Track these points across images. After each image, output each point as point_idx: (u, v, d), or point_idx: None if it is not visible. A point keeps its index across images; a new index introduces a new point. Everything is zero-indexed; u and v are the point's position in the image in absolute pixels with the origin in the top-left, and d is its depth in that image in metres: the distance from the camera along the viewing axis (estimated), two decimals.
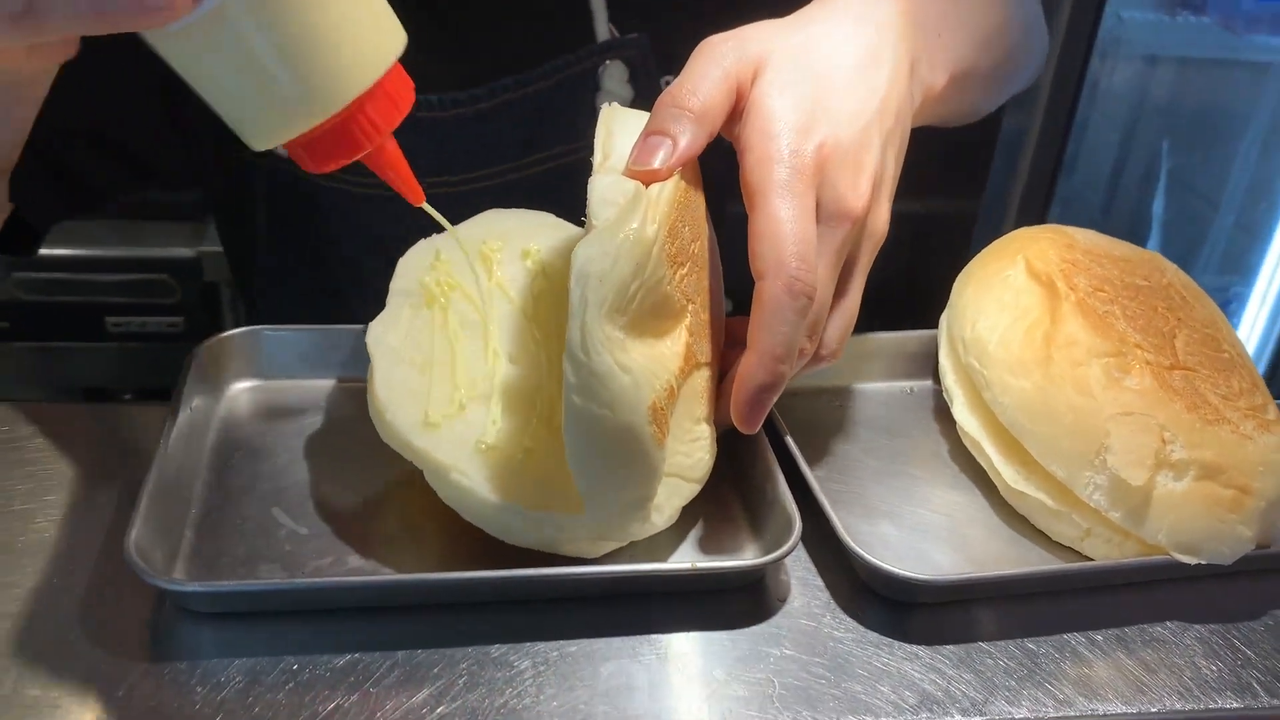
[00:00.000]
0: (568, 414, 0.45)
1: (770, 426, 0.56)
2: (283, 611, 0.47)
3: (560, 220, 0.62)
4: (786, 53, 0.52)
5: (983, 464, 0.57)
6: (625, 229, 0.45)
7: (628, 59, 0.78)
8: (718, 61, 0.51)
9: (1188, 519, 0.50)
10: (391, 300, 0.55)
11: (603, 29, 0.78)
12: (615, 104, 0.52)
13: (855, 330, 0.64)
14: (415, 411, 0.50)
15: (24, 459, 0.55)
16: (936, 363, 0.63)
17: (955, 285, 0.63)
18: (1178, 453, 0.51)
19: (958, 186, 1.84)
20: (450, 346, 0.54)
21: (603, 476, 0.47)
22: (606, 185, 0.47)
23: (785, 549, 0.49)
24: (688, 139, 0.49)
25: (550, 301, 0.57)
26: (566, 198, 0.81)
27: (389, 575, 0.49)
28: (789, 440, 0.55)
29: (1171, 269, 0.62)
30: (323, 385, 0.60)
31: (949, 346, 0.61)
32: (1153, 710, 0.47)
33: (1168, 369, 0.54)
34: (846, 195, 0.51)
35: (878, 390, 0.66)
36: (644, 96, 0.78)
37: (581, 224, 0.58)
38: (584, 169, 0.86)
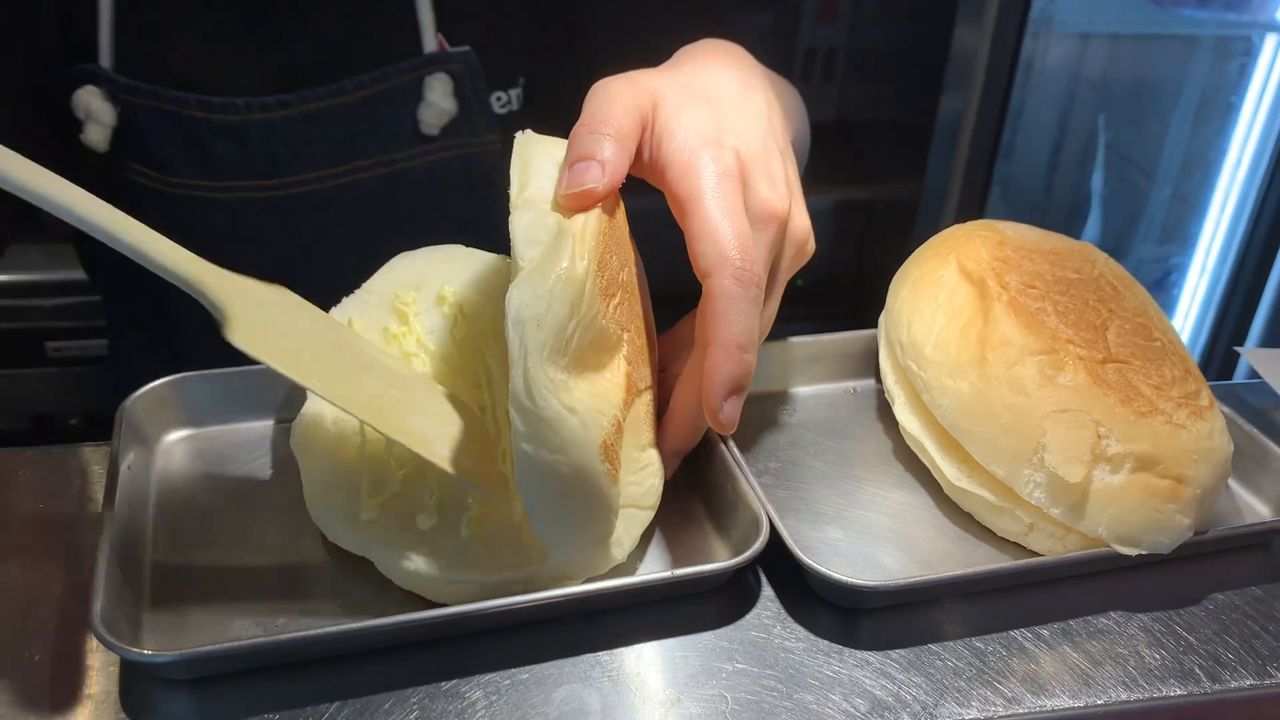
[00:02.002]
0: (520, 463, 0.44)
1: (709, 435, 0.56)
2: (246, 671, 0.46)
3: (470, 250, 0.61)
4: (676, 84, 0.55)
5: (926, 463, 0.58)
6: (556, 269, 0.45)
7: (453, 72, 0.78)
8: (617, 96, 0.52)
9: (1126, 511, 0.51)
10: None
11: (430, 40, 0.78)
12: (529, 131, 0.51)
13: (798, 333, 0.66)
14: (350, 510, 0.50)
15: None
16: (878, 363, 0.63)
17: (891, 286, 0.64)
18: (1113, 447, 0.52)
19: (897, 172, 1.86)
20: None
21: (562, 521, 0.46)
22: (529, 223, 0.46)
23: (758, 545, 0.49)
24: (614, 160, 0.49)
25: (472, 347, 0.57)
26: (385, 211, 0.82)
27: (357, 622, 0.46)
28: (732, 447, 0.56)
29: (1102, 258, 0.63)
30: (258, 428, 0.59)
31: (887, 349, 0.62)
32: (1099, 702, 0.47)
33: (1100, 363, 0.54)
34: (769, 197, 0.53)
35: (821, 392, 0.66)
36: (469, 111, 0.79)
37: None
38: (404, 182, 0.86)
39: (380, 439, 0.53)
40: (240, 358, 0.44)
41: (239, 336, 0.45)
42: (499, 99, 0.82)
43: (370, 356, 0.53)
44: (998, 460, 0.53)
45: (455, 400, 0.54)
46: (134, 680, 0.45)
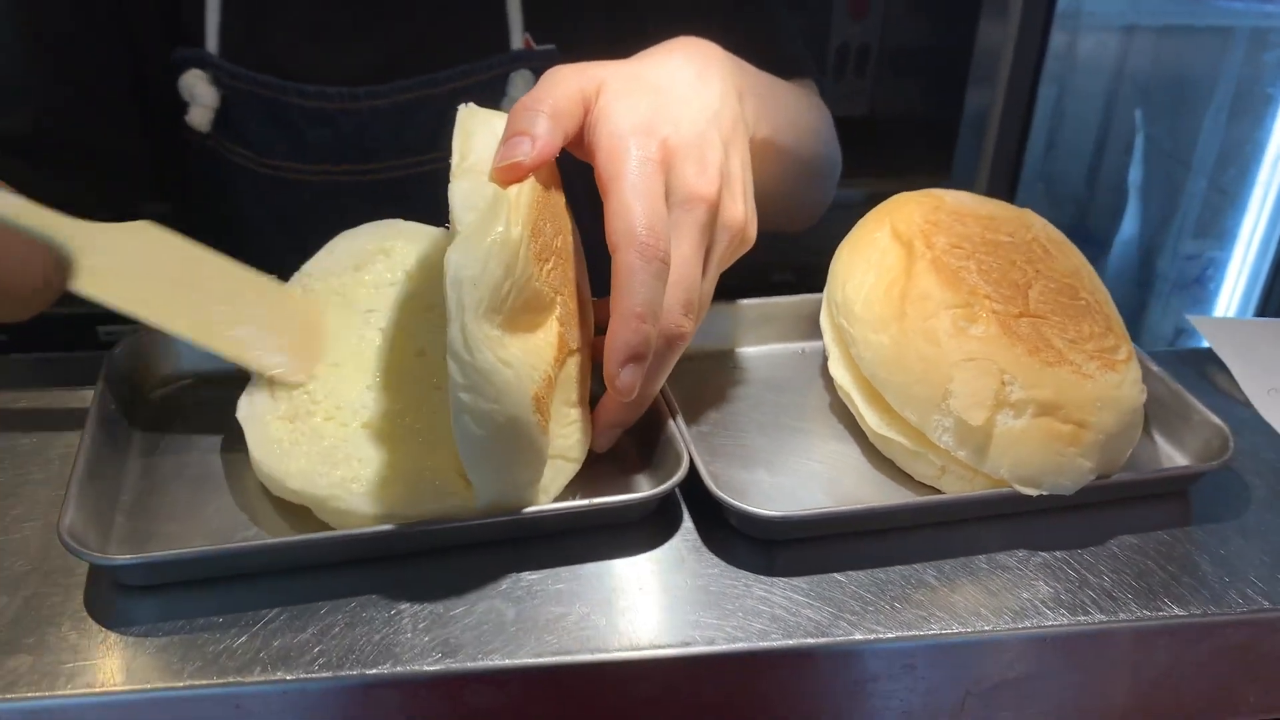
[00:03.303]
0: (456, 410, 0.48)
1: None
2: (204, 580, 0.51)
3: (412, 224, 0.66)
4: (625, 74, 0.58)
5: (853, 413, 0.61)
6: (491, 232, 0.48)
7: (537, 70, 0.82)
8: (562, 80, 0.56)
9: (1027, 454, 0.54)
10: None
11: (517, 38, 0.82)
12: (471, 105, 0.56)
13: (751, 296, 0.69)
14: (287, 462, 0.54)
15: None
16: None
17: (836, 251, 0.67)
18: (1016, 393, 0.54)
19: (927, 165, 1.87)
20: (316, 390, 0.58)
21: (493, 465, 0.50)
22: (467, 189, 0.50)
23: (676, 478, 0.53)
24: (545, 136, 0.53)
25: (411, 319, 0.61)
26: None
27: (294, 536, 0.52)
28: (669, 396, 0.59)
29: (1040, 224, 0.66)
30: (233, 378, 0.64)
31: (827, 308, 0.65)
32: (986, 628, 0.50)
33: (1015, 317, 0.57)
34: (695, 181, 0.55)
35: (771, 352, 0.70)
36: None
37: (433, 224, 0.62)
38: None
39: (323, 399, 0.58)
40: None
41: (83, 284, 0.54)
42: None
43: (213, 274, 0.60)
44: (911, 406, 0.56)
45: (291, 299, 0.61)
46: (98, 588, 0.50)
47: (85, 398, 0.63)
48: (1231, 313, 2.03)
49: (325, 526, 0.54)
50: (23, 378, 1.60)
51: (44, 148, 0.80)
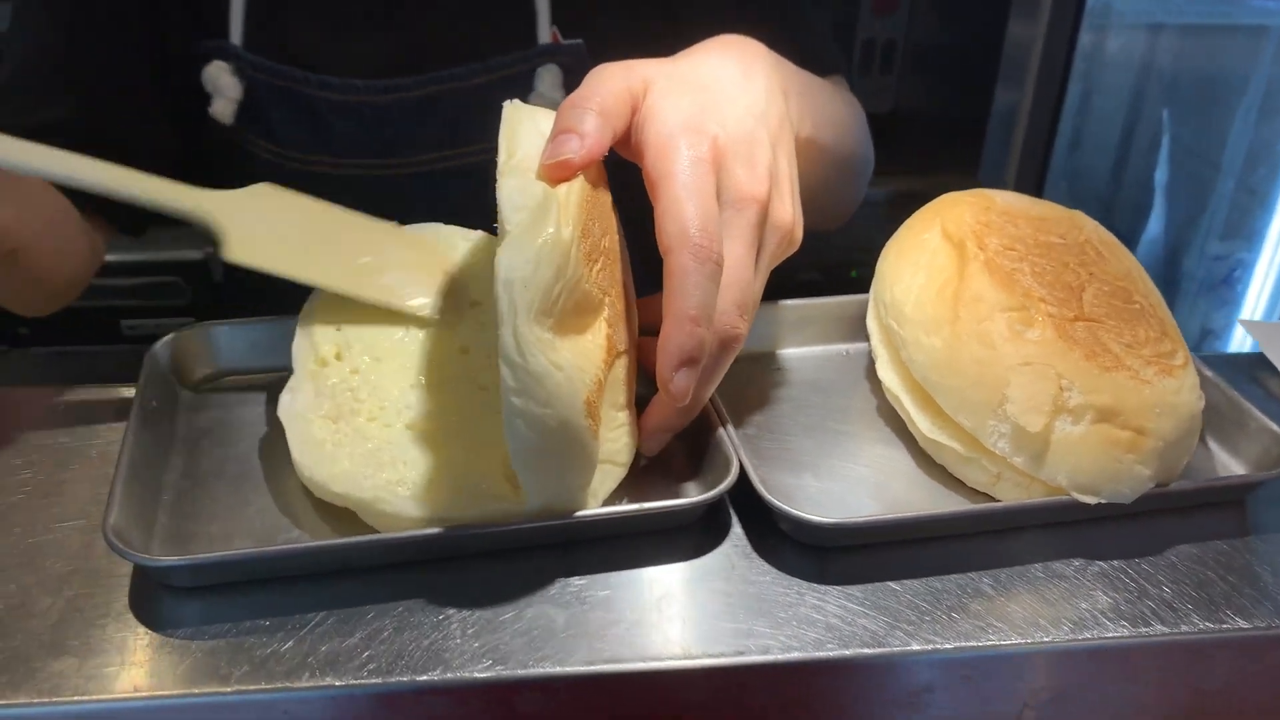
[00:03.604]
0: (509, 414, 0.47)
1: None
2: (248, 582, 0.50)
3: (451, 228, 0.65)
4: (671, 72, 0.57)
5: (903, 417, 0.60)
6: (542, 233, 0.47)
7: (564, 64, 0.81)
8: (610, 77, 0.55)
9: (1086, 461, 0.53)
10: (295, 364, 0.59)
11: (544, 31, 0.81)
12: (516, 101, 0.55)
13: (794, 297, 0.68)
14: (331, 465, 0.53)
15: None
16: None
17: (883, 251, 0.66)
18: (1075, 398, 0.53)
19: (954, 163, 1.86)
20: (359, 388, 0.57)
21: (546, 469, 0.49)
22: (515, 188, 0.49)
23: (725, 484, 0.52)
24: (594, 133, 0.52)
25: (455, 320, 0.60)
26: (489, 193, 0.86)
27: (341, 539, 0.51)
28: (715, 400, 0.58)
29: (1091, 225, 0.65)
30: (275, 375, 0.63)
31: (874, 309, 0.64)
32: (1046, 640, 0.49)
33: (1070, 320, 0.56)
34: (746, 181, 0.54)
35: (814, 354, 0.69)
36: None
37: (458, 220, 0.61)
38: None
39: (366, 398, 0.57)
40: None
41: (238, 253, 0.54)
42: None
43: (348, 226, 0.62)
44: (965, 411, 0.55)
45: (422, 244, 0.63)
46: (142, 589, 0.50)
47: (117, 394, 0.62)
48: (1259, 315, 2.01)
49: (367, 528, 0.53)
50: (48, 373, 1.60)
51: (69, 139, 0.79)
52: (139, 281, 1.58)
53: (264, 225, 0.58)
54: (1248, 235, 1.99)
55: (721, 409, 0.58)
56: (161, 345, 0.61)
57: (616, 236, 0.58)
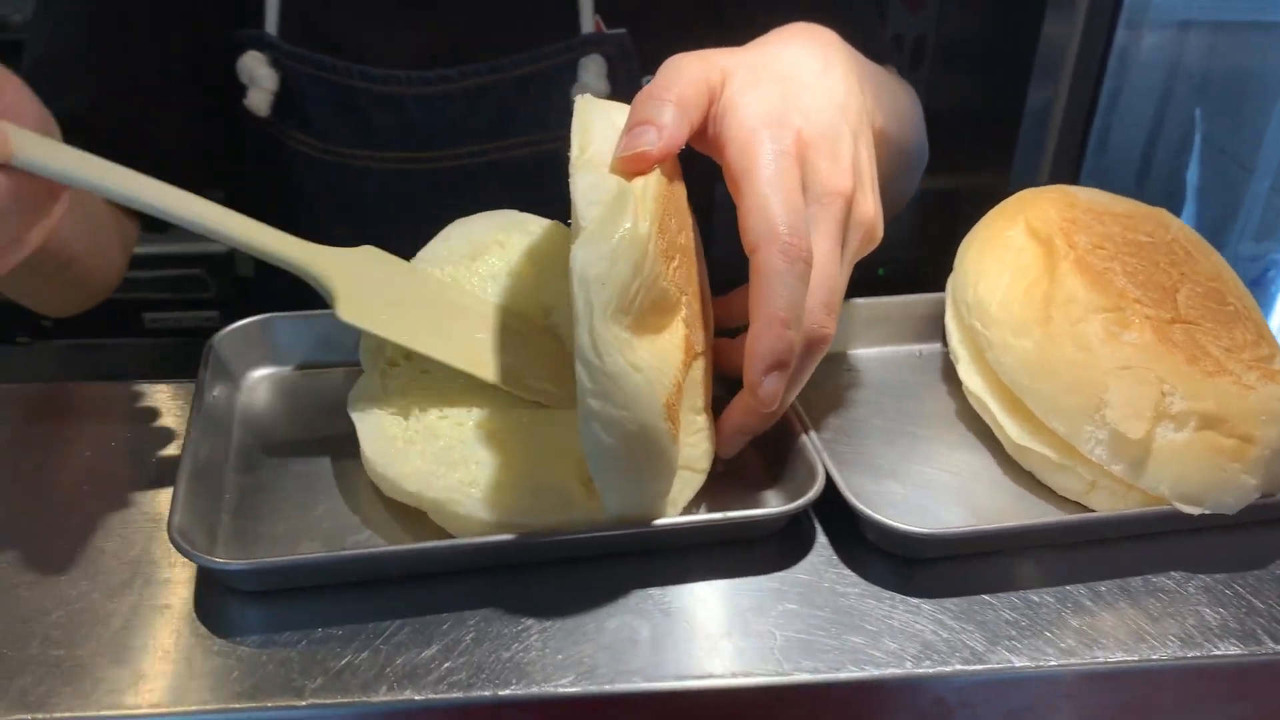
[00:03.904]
0: (585, 417, 0.45)
1: None
2: (316, 586, 0.48)
3: (525, 215, 0.63)
4: (750, 62, 0.55)
5: (988, 422, 0.58)
6: (619, 229, 0.45)
7: (608, 54, 0.79)
8: (687, 68, 0.53)
9: (1189, 469, 0.51)
10: (364, 363, 0.57)
11: (588, 21, 0.79)
12: (589, 95, 0.52)
13: (863, 295, 0.66)
14: (402, 462, 0.51)
15: (48, 439, 0.57)
16: (944, 325, 0.63)
17: (960, 248, 0.64)
18: (1177, 404, 0.51)
19: (985, 161, 1.83)
20: (430, 386, 0.55)
21: (624, 475, 0.47)
22: (590, 183, 0.47)
23: (812, 494, 0.50)
24: (672, 126, 0.50)
25: (526, 312, 0.58)
26: (535, 185, 0.83)
27: (419, 543, 0.49)
28: (794, 403, 0.56)
29: (1176, 224, 0.62)
30: (338, 370, 0.62)
31: (953, 309, 0.62)
32: (1154, 657, 0.47)
33: (1168, 323, 0.54)
34: (831, 175, 0.52)
35: (886, 354, 0.66)
36: (621, 93, 0.79)
37: (547, 215, 0.59)
38: (554, 159, 0.88)
39: (435, 397, 0.55)
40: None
41: (348, 313, 0.52)
42: (646, 82, 0.83)
43: (452, 300, 0.56)
44: (1060, 417, 0.53)
45: (527, 324, 0.57)
46: (207, 591, 0.48)
47: (175, 387, 0.60)
48: None
49: (435, 529, 0.51)
50: (70, 365, 1.59)
51: (101, 130, 0.77)
52: (162, 274, 1.57)
53: (376, 288, 0.54)
54: None
55: (802, 414, 0.56)
56: (223, 337, 0.59)
57: (692, 233, 0.55)
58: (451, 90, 0.79)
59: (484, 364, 0.54)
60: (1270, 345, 0.56)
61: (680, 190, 0.54)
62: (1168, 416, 0.51)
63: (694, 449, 0.52)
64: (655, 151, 0.49)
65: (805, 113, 0.53)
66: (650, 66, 0.83)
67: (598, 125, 0.51)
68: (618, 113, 0.52)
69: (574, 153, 0.49)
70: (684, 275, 0.51)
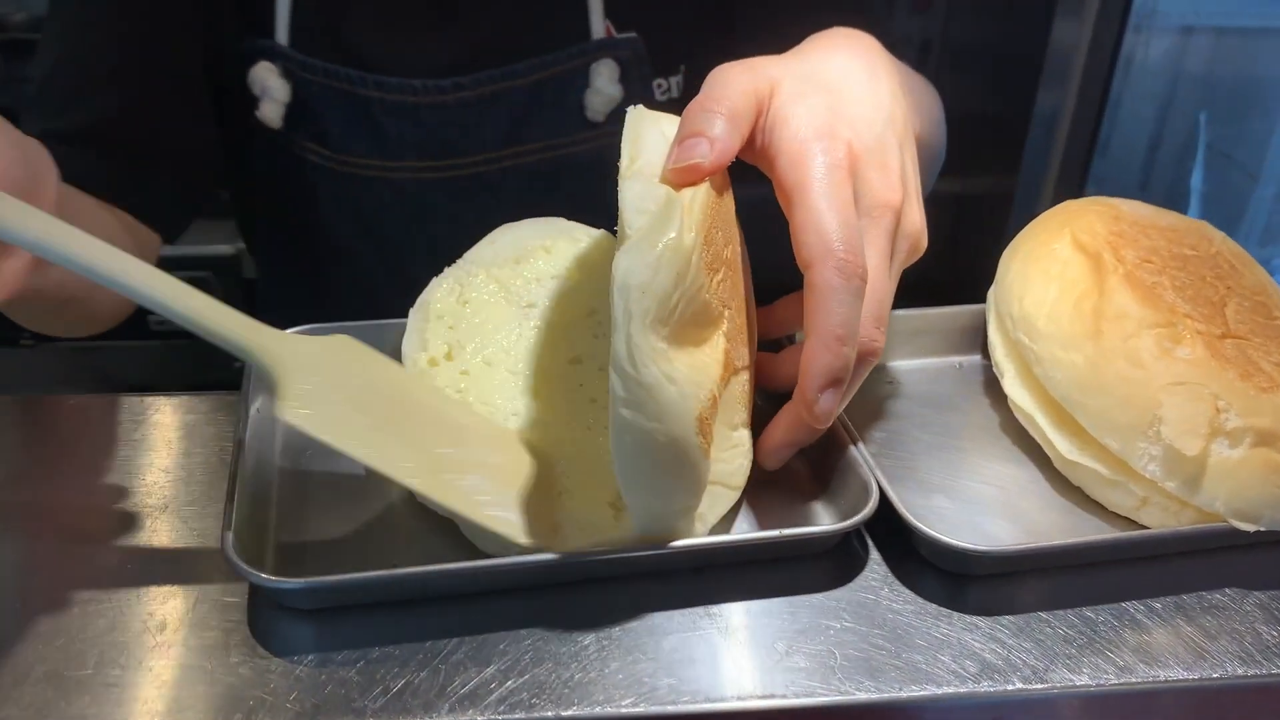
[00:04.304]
0: (616, 427, 0.44)
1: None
2: (369, 604, 0.48)
3: (572, 223, 0.62)
4: (797, 72, 0.54)
5: (1035, 437, 0.57)
6: (663, 237, 0.45)
7: (620, 59, 0.79)
8: (735, 80, 0.52)
9: (1245, 486, 0.51)
10: (405, 359, 0.56)
11: (598, 26, 0.79)
12: (640, 106, 0.52)
13: (903, 307, 0.65)
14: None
15: (78, 451, 0.56)
16: (985, 337, 0.63)
17: (1001, 260, 0.63)
18: (1232, 421, 0.51)
19: (993, 165, 1.83)
20: (467, 390, 0.55)
21: (652, 488, 0.46)
22: (638, 192, 0.46)
23: (868, 510, 0.50)
24: (723, 138, 0.49)
25: (569, 321, 0.58)
26: (550, 191, 0.83)
27: (475, 561, 0.48)
28: (842, 417, 0.56)
29: (1219, 237, 0.62)
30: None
31: (997, 322, 0.61)
32: (1215, 676, 0.47)
33: (1219, 338, 0.54)
34: (881, 188, 0.52)
35: (926, 366, 0.66)
36: (633, 97, 0.79)
37: (587, 223, 0.59)
38: (568, 164, 0.87)
39: (477, 407, 0.54)
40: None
41: (288, 410, 0.46)
42: (660, 86, 0.83)
43: (429, 406, 0.53)
44: (1112, 433, 0.53)
45: (510, 443, 0.53)
46: (260, 610, 0.47)
47: (216, 398, 0.60)
48: None
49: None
50: (74, 368, 1.58)
51: (115, 140, 0.76)
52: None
53: (333, 386, 0.49)
54: None
55: (850, 426, 0.55)
56: None
57: (739, 248, 0.55)
58: (465, 98, 0.79)
59: (440, 486, 0.48)
60: None
61: (729, 203, 0.53)
62: (1223, 433, 0.51)
63: (728, 464, 0.52)
64: (707, 164, 0.48)
65: (854, 124, 0.53)
66: (662, 70, 0.83)
67: (648, 136, 0.50)
68: (668, 124, 0.52)
69: (624, 162, 0.49)
70: (728, 289, 0.51)
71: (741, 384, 0.53)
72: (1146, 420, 0.52)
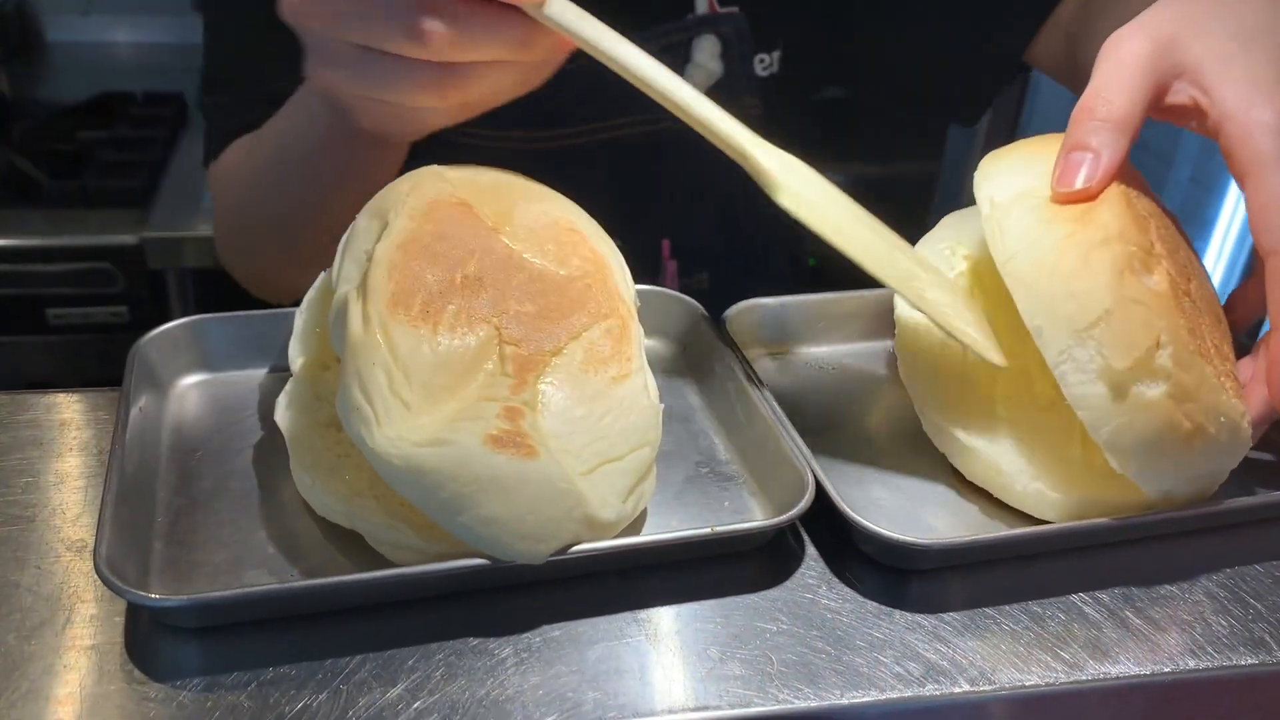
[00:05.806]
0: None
1: (751, 395, 0.53)
2: (262, 619, 0.43)
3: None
4: (1203, 26, 0.51)
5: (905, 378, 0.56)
6: None
7: (722, 34, 0.78)
8: (1129, 62, 0.50)
9: (1138, 426, 0.47)
10: (292, 364, 0.52)
11: (702, 1, 0.78)
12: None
13: (833, 290, 0.63)
14: (332, 480, 0.47)
15: None
16: None
17: (984, 163, 0.57)
18: (1163, 361, 0.48)
19: (917, 149, 1.83)
20: None
21: None
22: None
23: (803, 504, 0.46)
24: (1109, 151, 0.48)
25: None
26: (644, 165, 0.81)
27: (379, 571, 0.43)
28: (774, 405, 0.53)
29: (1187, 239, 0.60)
30: (276, 375, 0.57)
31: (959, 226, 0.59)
32: (1166, 670, 0.45)
33: (1183, 293, 0.51)
34: None
35: (859, 351, 0.63)
36: (734, 73, 0.79)
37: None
38: (665, 138, 0.86)
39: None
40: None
41: (788, 200, 0.50)
42: (760, 61, 0.82)
43: (886, 231, 0.54)
44: (1046, 318, 0.48)
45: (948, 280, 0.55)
46: (140, 629, 0.43)
47: (96, 395, 0.55)
48: None
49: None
50: None
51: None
52: (66, 268, 1.48)
53: (812, 188, 0.52)
54: (1200, 223, 1.99)
55: (782, 416, 0.52)
56: (149, 341, 0.53)
57: (1163, 220, 0.55)
58: (569, 70, 0.77)
59: (916, 291, 0.51)
60: (1238, 382, 0.54)
61: (1141, 191, 0.53)
62: (1150, 369, 0.48)
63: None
64: (1095, 185, 0.49)
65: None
66: (763, 45, 0.80)
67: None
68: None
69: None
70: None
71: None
72: (1089, 319, 0.47)
